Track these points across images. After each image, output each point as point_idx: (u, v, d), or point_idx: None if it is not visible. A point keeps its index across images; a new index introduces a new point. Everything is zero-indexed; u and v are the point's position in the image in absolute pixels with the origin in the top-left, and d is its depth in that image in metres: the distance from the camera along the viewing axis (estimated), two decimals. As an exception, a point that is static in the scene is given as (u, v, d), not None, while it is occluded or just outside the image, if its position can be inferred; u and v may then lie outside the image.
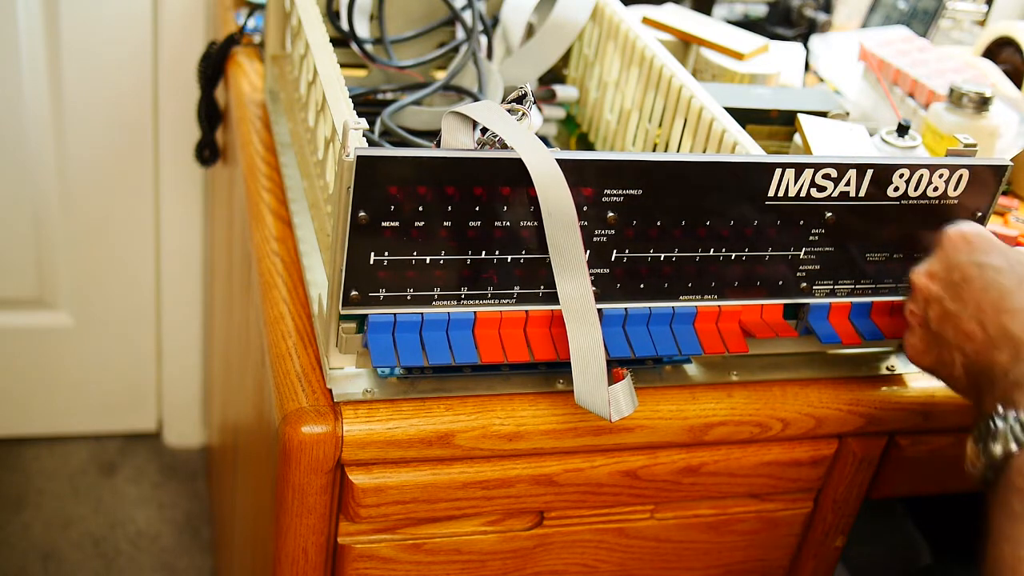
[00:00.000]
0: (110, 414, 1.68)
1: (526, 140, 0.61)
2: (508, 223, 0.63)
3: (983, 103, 0.99)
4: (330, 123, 0.69)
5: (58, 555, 1.49)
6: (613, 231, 0.65)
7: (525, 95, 0.64)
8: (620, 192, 0.64)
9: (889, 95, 1.09)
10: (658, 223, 0.66)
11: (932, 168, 0.69)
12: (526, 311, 0.66)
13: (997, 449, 0.58)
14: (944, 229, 0.69)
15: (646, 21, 1.03)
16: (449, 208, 0.61)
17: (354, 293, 0.62)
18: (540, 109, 0.96)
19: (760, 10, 1.27)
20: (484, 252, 0.63)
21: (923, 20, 1.28)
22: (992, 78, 1.11)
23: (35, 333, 1.58)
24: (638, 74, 0.86)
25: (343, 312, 0.63)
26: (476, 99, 0.88)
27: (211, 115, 1.18)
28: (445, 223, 0.62)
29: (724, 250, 0.68)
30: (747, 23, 1.25)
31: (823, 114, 0.89)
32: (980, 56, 1.20)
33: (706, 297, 0.70)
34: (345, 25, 0.91)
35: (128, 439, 1.71)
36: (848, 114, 0.90)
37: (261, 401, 0.81)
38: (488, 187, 0.61)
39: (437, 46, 0.98)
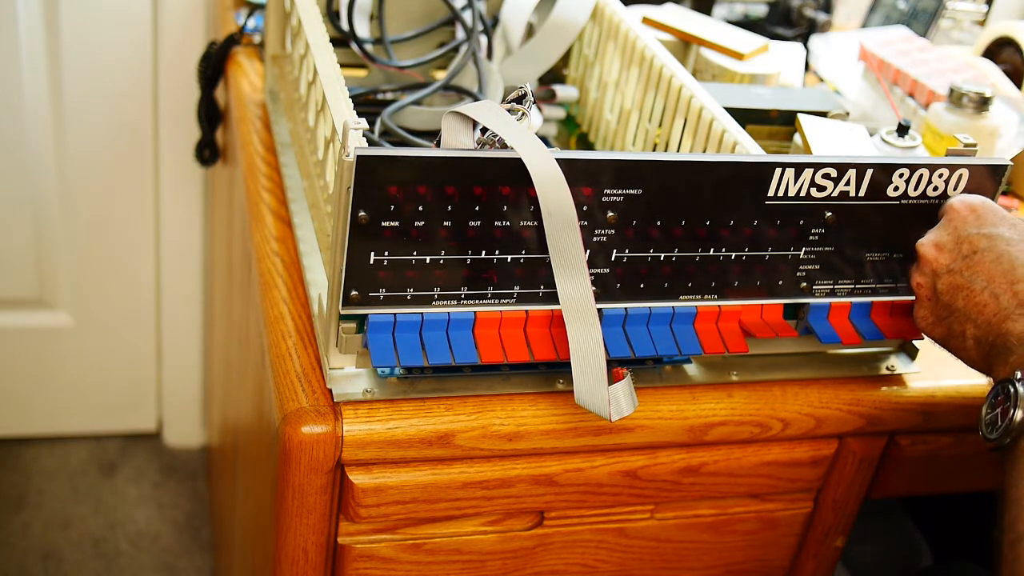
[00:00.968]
0: (110, 414, 1.68)
1: (526, 140, 0.61)
2: (508, 223, 0.63)
3: (983, 103, 0.99)
4: (330, 123, 0.69)
5: (58, 555, 1.49)
6: (613, 231, 0.65)
7: (525, 95, 0.64)
8: (620, 192, 0.64)
9: (889, 95, 1.09)
10: (658, 223, 0.66)
11: (932, 168, 0.69)
12: (526, 311, 0.66)
13: (1019, 415, 0.58)
14: (949, 200, 0.69)
15: (646, 21, 1.03)
16: (449, 208, 0.61)
17: (354, 293, 0.62)
18: (540, 109, 0.96)
19: (760, 10, 1.27)
20: (484, 252, 0.63)
21: (923, 20, 1.28)
22: (992, 78, 1.11)
23: (35, 333, 1.58)
24: (638, 74, 0.86)
25: (343, 312, 0.63)
26: (476, 99, 0.88)
27: (211, 115, 1.18)
28: (445, 223, 0.62)
29: (724, 250, 0.68)
30: (747, 23, 1.25)
31: (823, 114, 0.89)
32: (980, 56, 1.20)
33: (706, 297, 0.70)
34: (345, 25, 0.91)
35: (128, 439, 1.71)
36: (848, 114, 0.90)
37: (261, 401, 0.81)
38: (488, 187, 0.61)
39: (437, 46, 0.98)
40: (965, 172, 0.69)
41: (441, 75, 0.95)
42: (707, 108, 0.77)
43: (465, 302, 0.65)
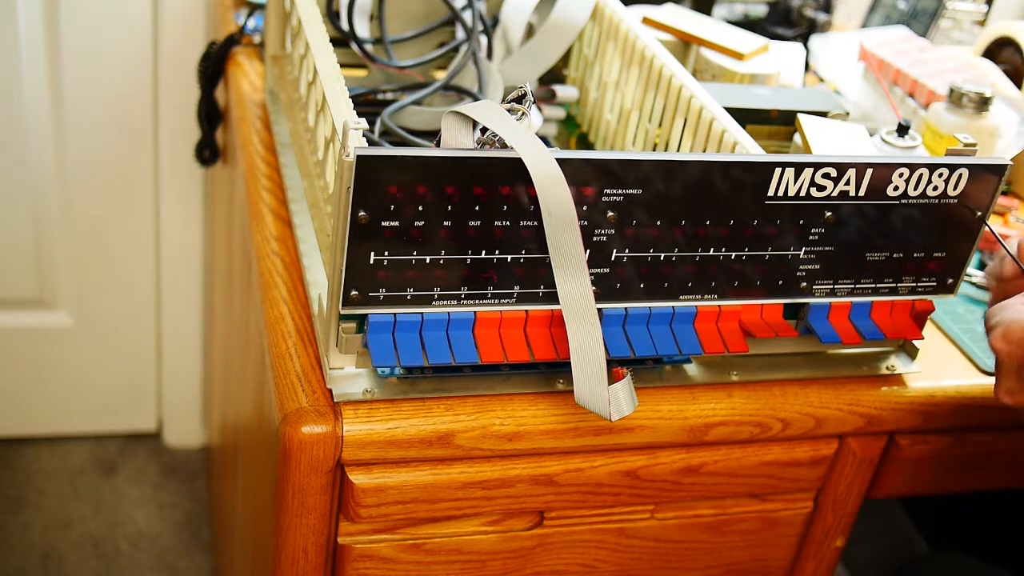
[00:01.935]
0: (110, 414, 1.68)
1: (526, 140, 0.61)
2: (508, 223, 0.63)
3: (983, 103, 0.99)
4: (330, 123, 0.69)
5: (58, 555, 1.49)
6: (613, 231, 0.65)
7: (525, 95, 0.64)
8: (620, 192, 0.64)
9: (889, 95, 1.09)
10: (658, 223, 0.66)
11: (932, 168, 0.69)
12: (526, 311, 0.66)
13: None
14: None
15: (646, 21, 1.03)
16: (449, 208, 0.61)
17: (354, 293, 0.62)
18: (540, 109, 0.96)
19: (760, 10, 1.27)
20: (484, 252, 0.63)
21: (923, 20, 1.28)
22: (992, 78, 1.11)
23: (35, 333, 1.58)
24: (638, 74, 0.86)
25: (343, 312, 0.63)
26: (476, 99, 0.88)
27: (211, 115, 1.18)
28: (445, 223, 0.62)
29: (724, 250, 0.68)
30: (747, 23, 1.25)
31: (823, 114, 0.89)
32: (980, 56, 1.20)
33: (706, 297, 0.70)
34: (345, 25, 0.91)
35: (128, 439, 1.71)
36: (848, 114, 0.90)
37: (261, 401, 0.81)
38: (488, 187, 0.61)
39: (437, 46, 0.98)
40: (965, 172, 0.69)
41: (441, 75, 0.95)
42: (707, 108, 0.77)
43: (465, 302, 0.65)
